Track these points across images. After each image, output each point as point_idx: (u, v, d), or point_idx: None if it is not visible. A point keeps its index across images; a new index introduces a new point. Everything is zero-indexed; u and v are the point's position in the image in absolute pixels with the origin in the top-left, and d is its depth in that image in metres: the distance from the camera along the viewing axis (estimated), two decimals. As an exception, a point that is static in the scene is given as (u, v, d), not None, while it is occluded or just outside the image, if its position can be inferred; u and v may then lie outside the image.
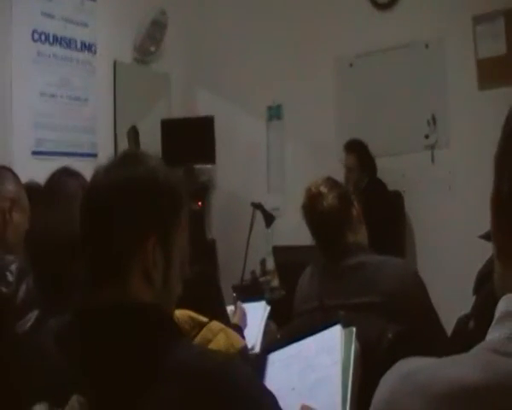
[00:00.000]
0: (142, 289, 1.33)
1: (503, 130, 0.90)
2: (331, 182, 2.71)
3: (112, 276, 1.33)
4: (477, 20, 5.52)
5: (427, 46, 5.78)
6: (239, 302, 3.20)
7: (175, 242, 1.38)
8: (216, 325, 2.01)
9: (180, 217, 1.41)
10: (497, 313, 0.87)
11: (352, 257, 2.59)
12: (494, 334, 0.85)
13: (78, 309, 1.36)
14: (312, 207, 2.66)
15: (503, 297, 0.88)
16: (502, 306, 0.87)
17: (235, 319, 3.10)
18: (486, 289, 0.99)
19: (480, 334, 0.89)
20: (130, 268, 1.32)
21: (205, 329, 1.95)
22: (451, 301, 3.38)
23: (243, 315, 3.15)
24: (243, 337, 2.99)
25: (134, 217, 1.33)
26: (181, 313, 1.87)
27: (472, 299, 2.51)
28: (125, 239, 1.32)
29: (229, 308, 3.18)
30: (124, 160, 1.44)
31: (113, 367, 1.26)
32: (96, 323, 1.30)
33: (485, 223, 0.92)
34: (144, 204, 1.34)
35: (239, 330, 3.02)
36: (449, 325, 2.59)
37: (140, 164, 1.40)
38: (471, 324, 2.43)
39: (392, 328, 2.38)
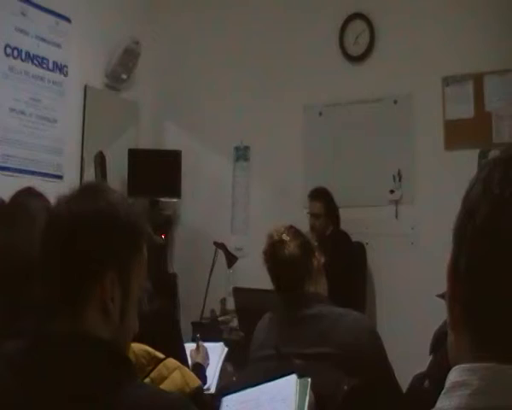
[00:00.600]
0: (99, 323, 1.32)
1: (463, 203, 0.90)
2: (294, 230, 2.72)
3: (68, 307, 1.32)
4: (447, 81, 5.61)
5: (395, 102, 5.84)
6: (201, 342, 3.19)
7: (133, 277, 1.38)
8: (172, 362, 1.98)
9: (140, 253, 1.41)
10: (448, 383, 0.87)
11: (310, 307, 2.60)
12: (444, 403, 0.85)
13: (32, 336, 1.34)
14: (273, 255, 2.66)
15: (455, 367, 0.88)
16: (452, 376, 0.87)
17: (197, 358, 3.08)
18: (443, 350, 0.99)
19: (434, 394, 0.89)
20: (87, 301, 1.31)
21: (161, 365, 1.92)
22: (409, 358, 3.38)
23: (206, 354, 3.13)
24: (205, 377, 2.97)
25: (93, 251, 1.32)
26: (138, 347, 1.85)
27: (429, 357, 2.52)
28: (83, 273, 1.32)
29: (191, 346, 3.17)
30: (86, 192, 1.43)
31: (60, 401, 1.24)
32: (47, 354, 1.28)
33: (445, 281, 0.92)
34: (104, 239, 1.34)
35: (201, 369, 3.00)
36: (406, 382, 2.60)
37: (102, 198, 1.39)
38: (426, 383, 2.44)
39: (348, 381, 2.37)
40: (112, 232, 1.35)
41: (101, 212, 1.36)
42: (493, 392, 0.82)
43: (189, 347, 3.14)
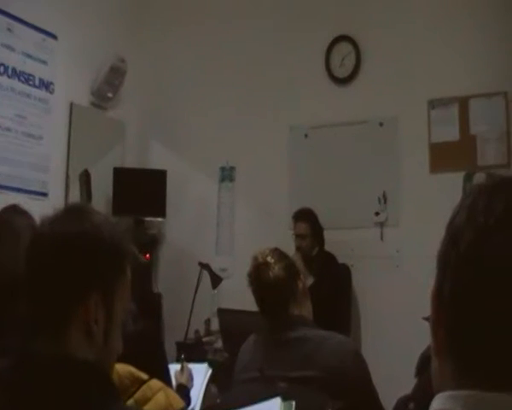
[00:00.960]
0: (82, 345, 1.32)
1: (447, 230, 0.91)
2: (278, 253, 2.72)
3: (50, 328, 1.31)
4: (432, 104, 5.64)
5: (381, 124, 5.86)
6: (185, 363, 3.17)
7: (117, 299, 1.38)
8: (156, 383, 1.97)
9: (124, 275, 1.42)
10: None
11: (295, 330, 2.59)
12: None
13: (17, 355, 1.33)
14: (258, 277, 2.66)
15: (438, 395, 0.88)
16: (435, 403, 0.87)
17: (182, 379, 3.06)
18: (428, 373, 0.99)
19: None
20: (70, 322, 1.31)
21: (145, 386, 1.91)
22: (393, 381, 3.37)
23: (190, 376, 3.11)
24: (189, 398, 2.95)
25: (76, 273, 1.33)
26: (122, 368, 1.84)
27: (414, 380, 2.51)
28: (66, 294, 1.32)
29: (175, 367, 3.15)
30: (70, 213, 1.44)
31: None
32: (32, 373, 1.28)
33: (429, 304, 0.92)
34: (88, 261, 1.34)
35: (185, 390, 2.98)
36: (390, 404, 2.59)
37: (85, 219, 1.39)
38: (411, 405, 2.43)
39: (332, 404, 2.37)
40: (96, 254, 1.35)
41: (85, 233, 1.36)
42: None
43: (174, 367, 3.12)
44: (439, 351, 0.91)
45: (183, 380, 3.07)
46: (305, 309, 2.72)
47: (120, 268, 1.40)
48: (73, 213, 1.43)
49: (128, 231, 5.14)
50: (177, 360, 3.35)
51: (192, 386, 3.12)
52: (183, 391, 2.95)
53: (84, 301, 1.31)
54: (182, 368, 3.16)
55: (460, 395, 0.85)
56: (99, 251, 1.36)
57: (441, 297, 0.89)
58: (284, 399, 2.23)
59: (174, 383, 3.00)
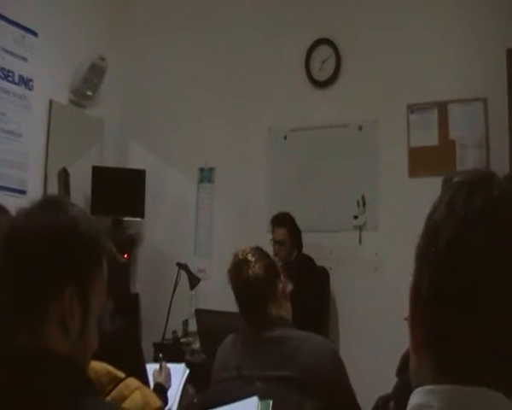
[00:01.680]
0: (58, 338, 1.31)
1: (426, 224, 0.92)
2: (259, 252, 2.73)
3: (26, 321, 1.30)
4: (411, 108, 5.67)
5: (360, 128, 5.88)
6: (164, 362, 3.16)
7: (93, 293, 1.37)
8: (133, 382, 1.96)
9: (100, 269, 1.41)
10: (409, 407, 0.88)
11: (273, 330, 2.60)
12: None
13: None
14: (237, 274, 2.67)
15: (416, 390, 0.89)
16: (413, 399, 0.89)
17: (160, 379, 3.06)
18: (408, 373, 1.00)
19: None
20: (45, 316, 1.30)
21: (121, 385, 1.90)
22: (373, 382, 3.39)
23: (168, 375, 3.11)
24: (166, 397, 2.94)
25: (52, 265, 1.32)
26: (99, 366, 1.83)
27: (394, 380, 2.53)
28: (41, 286, 1.31)
29: (154, 367, 3.15)
30: (46, 206, 1.43)
31: None
32: (7, 368, 1.27)
33: (408, 307, 0.93)
34: (63, 253, 1.33)
35: (163, 389, 2.98)
36: (369, 405, 2.60)
37: (62, 212, 1.39)
38: (391, 404, 2.45)
39: (310, 404, 2.37)
40: (71, 247, 1.34)
41: (60, 226, 1.35)
42: None
43: (153, 367, 3.12)
44: (417, 347, 0.92)
45: (161, 379, 3.07)
46: (284, 310, 2.73)
47: (96, 262, 1.40)
48: (49, 206, 1.42)
49: (104, 226, 5.14)
50: (156, 360, 3.35)
51: (170, 386, 3.12)
52: (161, 391, 2.95)
53: (59, 294, 1.30)
54: (160, 367, 3.16)
55: (437, 389, 0.86)
56: (74, 244, 1.35)
57: (419, 294, 0.90)
58: (261, 398, 2.23)
59: (152, 382, 3.00)
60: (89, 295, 1.35)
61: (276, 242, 5.45)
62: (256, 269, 2.63)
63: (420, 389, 0.88)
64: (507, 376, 0.85)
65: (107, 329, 2.43)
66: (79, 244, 1.36)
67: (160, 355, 3.33)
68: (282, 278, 2.77)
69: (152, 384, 2.97)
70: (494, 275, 0.84)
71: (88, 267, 1.37)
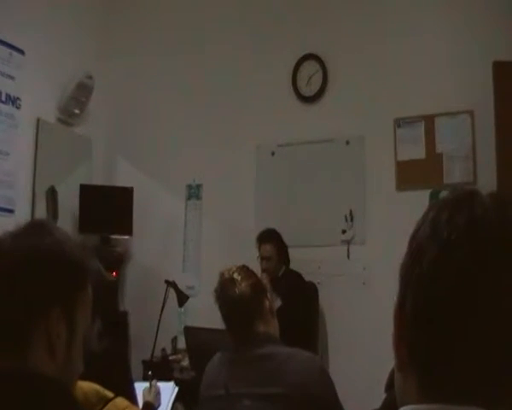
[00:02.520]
0: (44, 360, 1.30)
1: (410, 244, 0.92)
2: (245, 270, 2.73)
3: (12, 343, 1.29)
4: (398, 122, 5.69)
5: (348, 142, 5.89)
6: (154, 381, 3.15)
7: (79, 315, 1.37)
8: (122, 401, 1.95)
9: (85, 291, 1.41)
10: None
11: (260, 347, 2.59)
12: None
13: None
14: (224, 293, 2.67)
15: (402, 408, 0.89)
16: None
17: (149, 397, 3.04)
18: None
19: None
20: (31, 338, 1.29)
21: (110, 404, 1.89)
22: (361, 397, 3.38)
23: (158, 394, 3.10)
24: (155, 417, 2.93)
25: (37, 287, 1.31)
26: (87, 386, 1.82)
27: (383, 395, 2.52)
28: (27, 308, 1.30)
29: (144, 385, 3.14)
30: (31, 228, 1.42)
31: None
32: None
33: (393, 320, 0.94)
34: (48, 275, 1.33)
35: (152, 408, 2.96)
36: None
37: (47, 235, 1.39)
38: (380, 420, 2.44)
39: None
40: (56, 269, 1.34)
41: (45, 248, 1.35)
42: None
43: (142, 386, 3.10)
44: (401, 367, 0.92)
45: (150, 398, 3.05)
46: (272, 327, 2.72)
47: (81, 284, 1.40)
48: (35, 228, 1.42)
49: (89, 249, 5.11)
50: (145, 379, 3.33)
51: (159, 405, 3.10)
52: (150, 409, 2.93)
53: (45, 314, 1.30)
54: (150, 386, 3.14)
55: (423, 408, 0.86)
56: (60, 266, 1.35)
57: (403, 314, 0.90)
58: (250, 416, 2.22)
59: (141, 400, 2.98)
60: (74, 315, 1.35)
61: (262, 258, 5.44)
62: (242, 288, 2.63)
63: (405, 408, 0.88)
64: (493, 394, 0.84)
65: (95, 348, 2.42)
66: (65, 266, 1.36)
67: (150, 373, 3.31)
68: (268, 295, 2.77)
69: (141, 403, 2.95)
70: (478, 296, 0.84)
71: (73, 289, 1.37)
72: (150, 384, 3.14)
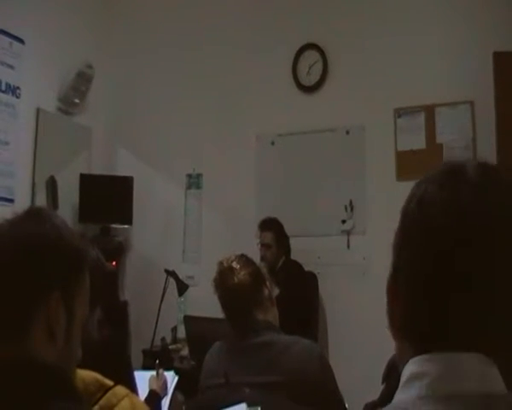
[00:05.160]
0: (44, 346, 1.30)
1: (401, 217, 1.00)
2: (244, 259, 2.73)
3: (12, 330, 1.30)
4: (399, 112, 5.69)
5: (348, 132, 5.89)
6: (161, 370, 3.16)
7: (78, 301, 1.38)
8: (121, 390, 1.95)
9: (83, 277, 1.42)
10: (404, 377, 0.93)
11: (260, 335, 2.59)
12: (403, 395, 0.91)
13: None
14: (222, 282, 2.67)
15: (409, 362, 0.93)
16: (407, 370, 0.92)
17: (154, 386, 3.05)
18: (394, 378, 1.03)
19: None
20: (31, 323, 1.30)
21: (110, 392, 1.89)
22: (361, 387, 3.39)
23: (164, 383, 3.10)
24: (160, 404, 2.93)
25: (36, 274, 1.32)
26: (87, 374, 1.82)
27: (381, 386, 2.53)
28: (26, 294, 1.31)
29: (148, 374, 3.15)
30: (30, 215, 1.43)
31: None
32: None
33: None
34: (47, 260, 1.34)
35: (157, 397, 2.97)
36: (357, 410, 2.60)
37: (45, 221, 1.40)
38: (378, 410, 2.45)
39: (297, 409, 2.37)
40: (55, 254, 1.35)
41: (44, 234, 1.36)
42: (451, 378, 0.88)
43: (143, 374, 3.11)
44: (397, 334, 0.99)
45: (155, 386, 3.06)
46: (271, 315, 2.73)
47: (79, 270, 1.41)
48: (33, 215, 1.43)
49: (88, 238, 5.11)
50: (145, 368, 3.34)
51: (165, 394, 3.11)
52: (155, 398, 2.94)
53: (45, 300, 1.31)
54: (157, 374, 3.15)
55: (425, 358, 0.91)
56: (58, 251, 1.36)
57: (396, 286, 0.99)
58: (249, 405, 2.23)
59: (147, 388, 3.00)
60: (74, 302, 1.36)
61: (262, 245, 5.48)
62: (241, 276, 2.63)
63: (412, 359, 0.92)
64: (490, 344, 0.90)
65: (95, 337, 2.42)
66: (62, 252, 1.37)
67: (157, 362, 3.31)
68: (267, 283, 2.77)
69: (145, 391, 2.97)
70: (470, 256, 0.90)
71: (72, 275, 1.38)
72: (157, 373, 3.15)
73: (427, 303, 0.92)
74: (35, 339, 1.29)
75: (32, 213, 1.45)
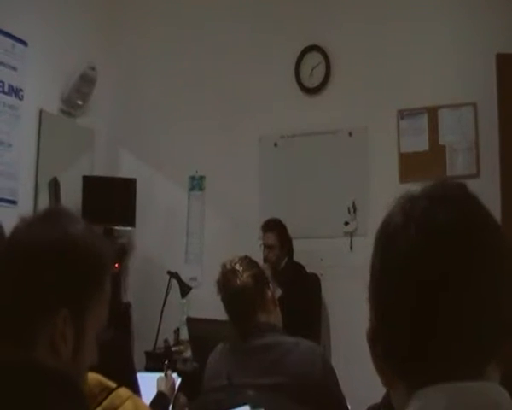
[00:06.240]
0: (47, 357, 1.26)
1: (383, 240, 1.01)
2: (247, 261, 2.73)
3: (15, 335, 1.27)
4: (401, 114, 5.68)
5: (351, 134, 5.89)
6: (170, 371, 3.16)
7: (91, 315, 1.32)
8: (125, 391, 1.95)
9: (100, 291, 1.35)
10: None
11: (262, 337, 2.60)
12: None
13: None
14: (226, 284, 2.67)
15: (416, 395, 0.91)
16: (413, 406, 0.91)
17: (162, 387, 3.04)
18: None
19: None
20: (35, 335, 1.26)
21: (113, 394, 1.88)
22: (363, 389, 3.38)
23: (172, 385, 3.10)
24: (168, 406, 2.93)
25: (45, 286, 1.27)
26: (90, 376, 1.81)
27: (383, 389, 2.52)
28: (33, 306, 1.26)
29: (160, 375, 3.15)
30: (48, 219, 1.37)
31: None
32: None
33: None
34: (58, 274, 1.28)
35: (165, 399, 2.96)
36: (359, 413, 2.59)
37: (65, 227, 1.34)
38: (381, 414, 2.44)
39: (300, 410, 2.37)
40: (68, 267, 1.29)
41: (58, 244, 1.30)
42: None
43: (146, 376, 3.10)
44: (389, 382, 0.99)
45: (163, 387, 3.06)
46: (274, 317, 2.73)
47: (97, 282, 1.34)
48: (52, 219, 1.37)
49: (109, 243, 5.11)
50: (147, 369, 3.33)
51: (173, 395, 3.10)
52: (162, 400, 2.95)
53: (50, 319, 1.26)
54: (165, 376, 3.15)
55: (437, 388, 0.89)
56: (72, 264, 1.30)
57: (373, 333, 0.99)
58: (252, 407, 2.23)
59: (155, 390, 3.01)
60: (84, 318, 1.30)
61: (265, 246, 5.49)
62: (244, 278, 2.63)
63: (420, 392, 0.91)
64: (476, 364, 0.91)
65: (98, 340, 2.42)
66: (78, 264, 1.30)
67: (166, 362, 3.31)
68: (270, 285, 2.77)
69: (152, 392, 2.97)
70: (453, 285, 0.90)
71: (86, 289, 1.31)
72: (165, 374, 3.15)
73: (415, 335, 0.92)
74: (38, 350, 1.26)
75: (51, 217, 1.39)
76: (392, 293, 0.95)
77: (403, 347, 0.92)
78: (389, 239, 0.99)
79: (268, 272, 2.86)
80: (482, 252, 0.91)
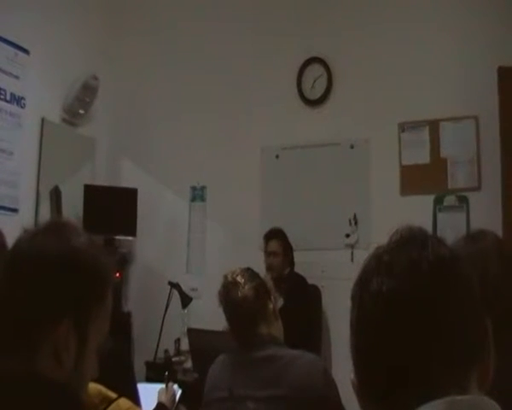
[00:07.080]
0: (51, 368, 1.26)
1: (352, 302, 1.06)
2: (249, 273, 2.74)
3: (17, 346, 1.27)
4: (403, 127, 5.68)
5: (352, 146, 5.89)
6: (171, 383, 3.16)
7: (93, 327, 1.33)
8: (125, 402, 1.95)
9: (102, 303, 1.36)
10: None
11: (264, 349, 2.59)
12: None
13: None
14: (227, 296, 2.68)
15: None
16: None
17: (163, 398, 3.04)
18: None
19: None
20: (38, 345, 1.26)
21: (113, 405, 1.88)
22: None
23: (173, 396, 3.10)
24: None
25: (49, 297, 1.27)
26: (91, 386, 1.81)
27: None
28: (36, 317, 1.27)
29: (161, 386, 3.14)
30: (51, 231, 1.37)
31: None
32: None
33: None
34: (62, 286, 1.28)
35: (165, 409, 2.95)
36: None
37: (68, 239, 1.34)
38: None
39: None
40: (71, 279, 1.30)
41: (62, 256, 1.31)
42: None
43: (147, 387, 3.10)
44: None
45: (164, 399, 3.05)
46: (275, 329, 2.72)
47: (99, 295, 1.34)
48: (56, 232, 1.37)
49: (111, 256, 5.10)
50: (147, 380, 3.33)
51: (173, 407, 3.10)
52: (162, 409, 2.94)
53: (53, 328, 1.26)
54: (166, 387, 3.15)
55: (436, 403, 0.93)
56: (75, 276, 1.30)
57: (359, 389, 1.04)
58: (253, 419, 2.23)
59: (156, 401, 3.00)
60: (87, 329, 1.31)
61: (269, 254, 5.48)
62: (245, 290, 2.63)
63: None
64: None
65: (98, 349, 2.42)
66: (80, 277, 1.31)
67: (166, 374, 3.31)
68: (272, 297, 2.77)
69: (152, 403, 2.96)
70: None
71: (89, 300, 1.32)
72: (166, 386, 3.15)
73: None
74: (41, 361, 1.26)
75: (55, 230, 1.39)
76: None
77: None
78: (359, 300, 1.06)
79: (270, 284, 2.85)
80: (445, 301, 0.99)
